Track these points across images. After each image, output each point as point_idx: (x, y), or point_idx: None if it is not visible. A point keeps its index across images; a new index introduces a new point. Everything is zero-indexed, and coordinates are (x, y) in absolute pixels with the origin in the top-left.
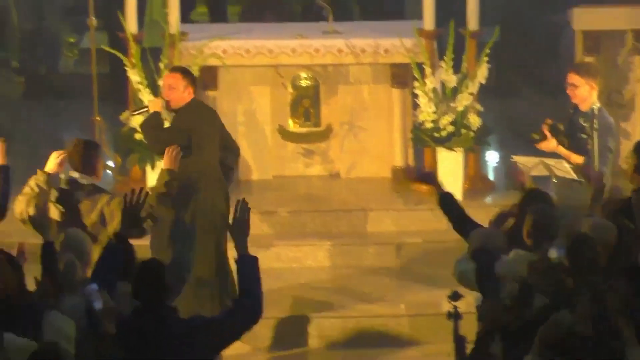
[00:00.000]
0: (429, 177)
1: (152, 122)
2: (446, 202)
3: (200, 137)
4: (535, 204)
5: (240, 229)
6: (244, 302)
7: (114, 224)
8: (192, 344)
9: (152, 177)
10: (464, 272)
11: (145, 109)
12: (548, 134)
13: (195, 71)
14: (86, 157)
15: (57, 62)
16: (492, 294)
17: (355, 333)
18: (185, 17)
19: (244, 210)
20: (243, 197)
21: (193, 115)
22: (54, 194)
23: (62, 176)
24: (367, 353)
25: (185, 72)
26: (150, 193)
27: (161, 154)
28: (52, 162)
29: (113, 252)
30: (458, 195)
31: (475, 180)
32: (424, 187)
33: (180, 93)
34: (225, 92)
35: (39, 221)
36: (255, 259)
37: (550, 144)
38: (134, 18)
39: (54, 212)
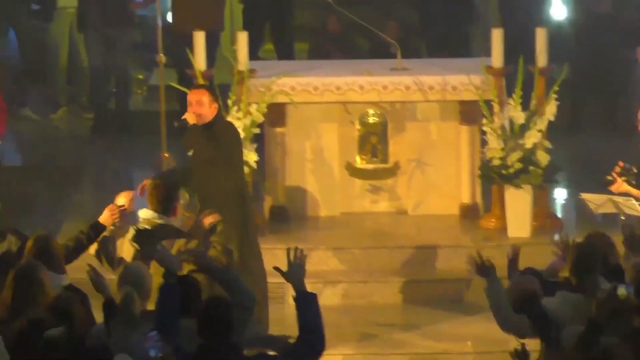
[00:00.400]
0: (487, 272)
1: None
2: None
3: (241, 149)
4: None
5: (296, 274)
6: (305, 338)
7: (185, 270)
8: None
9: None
10: (516, 326)
11: (184, 122)
12: (618, 178)
13: (263, 108)
14: (167, 197)
15: (126, 99)
16: (552, 338)
17: None
18: (253, 54)
19: (300, 259)
20: (299, 246)
21: (232, 128)
22: (130, 233)
23: (142, 215)
24: None
25: (209, 88)
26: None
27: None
28: (123, 200)
29: (170, 291)
30: (526, 233)
31: (543, 218)
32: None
33: (208, 108)
34: (293, 129)
35: (106, 257)
36: (314, 296)
37: (621, 186)
38: (202, 55)
39: (127, 251)
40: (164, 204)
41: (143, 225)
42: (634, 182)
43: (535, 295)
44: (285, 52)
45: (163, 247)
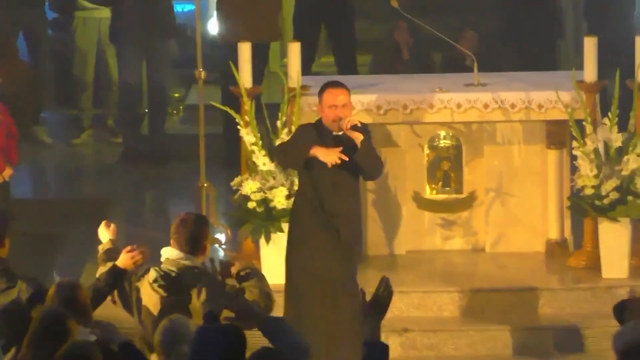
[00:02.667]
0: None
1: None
2: None
3: None
4: None
5: (380, 310)
6: None
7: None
8: None
9: (267, 253)
10: None
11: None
12: None
13: None
14: (195, 235)
15: (160, 121)
16: None
17: None
18: (306, 69)
19: (388, 290)
20: (384, 275)
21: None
22: (152, 275)
23: (166, 254)
24: None
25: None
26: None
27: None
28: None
29: (211, 340)
30: (623, 273)
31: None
32: None
33: (350, 110)
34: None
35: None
36: (386, 347)
37: None
38: (248, 70)
39: (147, 295)
40: (192, 243)
41: (167, 267)
42: None
43: None
44: (346, 65)
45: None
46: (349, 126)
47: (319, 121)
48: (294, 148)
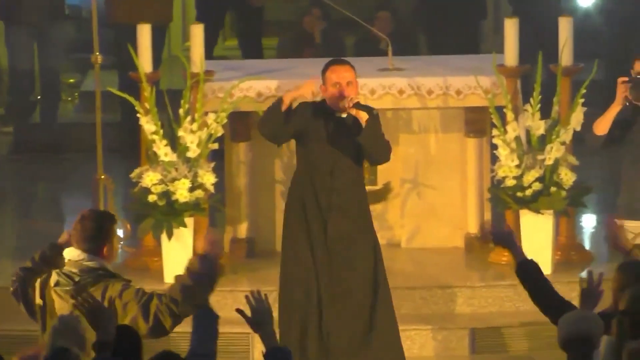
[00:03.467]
0: (507, 239)
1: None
2: (526, 271)
3: None
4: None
5: (264, 324)
6: None
7: (127, 320)
8: None
9: (169, 249)
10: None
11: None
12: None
13: (223, 118)
14: (97, 234)
15: (53, 109)
16: None
17: None
18: (208, 53)
19: (264, 304)
20: (266, 289)
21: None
22: (53, 278)
23: (67, 255)
24: None
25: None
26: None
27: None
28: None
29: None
30: (546, 269)
31: (569, 250)
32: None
33: (356, 89)
34: (259, 144)
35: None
36: (288, 353)
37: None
38: (148, 54)
39: (59, 304)
40: (93, 242)
41: (69, 269)
42: None
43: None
44: (251, 49)
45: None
46: (351, 104)
47: (322, 101)
48: (272, 107)
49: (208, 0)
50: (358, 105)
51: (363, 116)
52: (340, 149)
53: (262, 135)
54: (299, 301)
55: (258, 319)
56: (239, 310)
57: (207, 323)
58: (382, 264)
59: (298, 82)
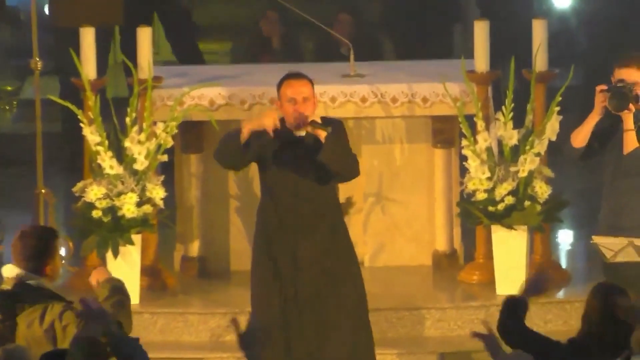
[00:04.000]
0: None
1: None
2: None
3: None
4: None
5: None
6: None
7: (66, 343)
8: None
9: (115, 269)
10: None
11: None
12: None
13: (173, 129)
14: (39, 252)
15: None
16: None
17: None
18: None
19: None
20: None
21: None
22: None
23: (6, 273)
24: None
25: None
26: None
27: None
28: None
29: None
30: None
31: (544, 266)
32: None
33: (313, 105)
34: (212, 156)
35: None
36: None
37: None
38: (92, 59)
39: None
40: (33, 259)
41: (6, 287)
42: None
43: None
44: (186, 54)
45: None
46: (307, 123)
47: (281, 120)
48: (230, 137)
49: (134, 2)
50: (314, 124)
51: (321, 134)
52: (302, 170)
53: (219, 164)
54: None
55: (249, 339)
56: (233, 321)
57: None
58: (365, 299)
59: (255, 90)
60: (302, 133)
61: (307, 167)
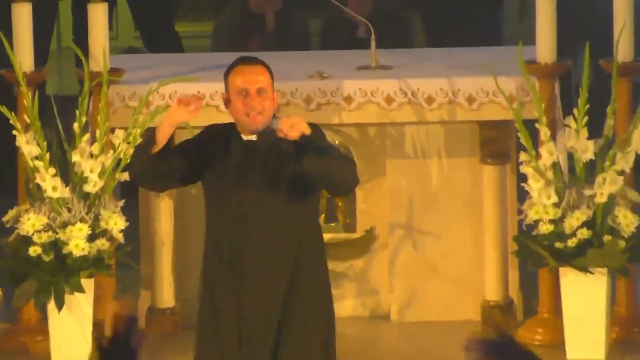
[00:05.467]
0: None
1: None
2: None
3: None
4: None
5: None
6: None
7: None
8: None
9: (59, 325)
10: None
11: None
12: None
13: (136, 137)
14: None
15: None
16: None
17: None
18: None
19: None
20: None
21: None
22: None
23: None
24: None
25: (265, 63)
26: None
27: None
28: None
29: None
30: (598, 352)
31: (630, 325)
32: None
33: (272, 99)
34: None
35: None
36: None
37: None
38: (29, 46)
39: None
40: None
41: None
42: None
43: None
44: (156, 39)
45: None
46: (280, 131)
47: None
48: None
49: None
50: (265, 133)
51: (293, 133)
52: (256, 187)
53: (131, 178)
54: None
55: None
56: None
57: None
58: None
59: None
60: (252, 137)
61: (264, 181)
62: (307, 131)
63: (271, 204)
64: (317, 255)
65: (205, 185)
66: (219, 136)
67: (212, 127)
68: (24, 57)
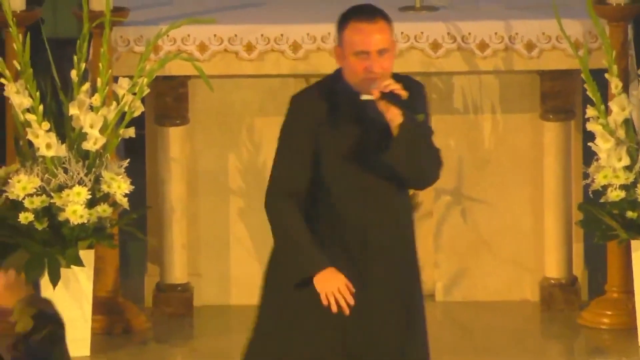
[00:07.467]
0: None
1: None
2: None
3: None
4: None
5: None
6: None
7: None
8: None
9: (55, 301)
10: None
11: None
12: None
13: (143, 88)
14: None
15: None
16: None
17: None
18: None
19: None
20: None
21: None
22: None
23: None
24: None
25: (386, 15)
26: None
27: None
28: None
29: None
30: None
31: None
32: None
33: (393, 58)
34: (202, 128)
35: None
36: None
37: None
38: None
39: None
40: None
41: None
42: None
43: None
44: None
45: None
46: (384, 93)
47: (336, 76)
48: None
49: None
50: (390, 97)
51: (395, 115)
52: (378, 151)
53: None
54: None
55: None
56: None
57: None
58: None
59: (268, 30)
60: (370, 97)
61: (374, 156)
62: (397, 118)
63: (389, 173)
64: (413, 232)
65: (323, 161)
66: (325, 103)
67: (310, 96)
68: None
